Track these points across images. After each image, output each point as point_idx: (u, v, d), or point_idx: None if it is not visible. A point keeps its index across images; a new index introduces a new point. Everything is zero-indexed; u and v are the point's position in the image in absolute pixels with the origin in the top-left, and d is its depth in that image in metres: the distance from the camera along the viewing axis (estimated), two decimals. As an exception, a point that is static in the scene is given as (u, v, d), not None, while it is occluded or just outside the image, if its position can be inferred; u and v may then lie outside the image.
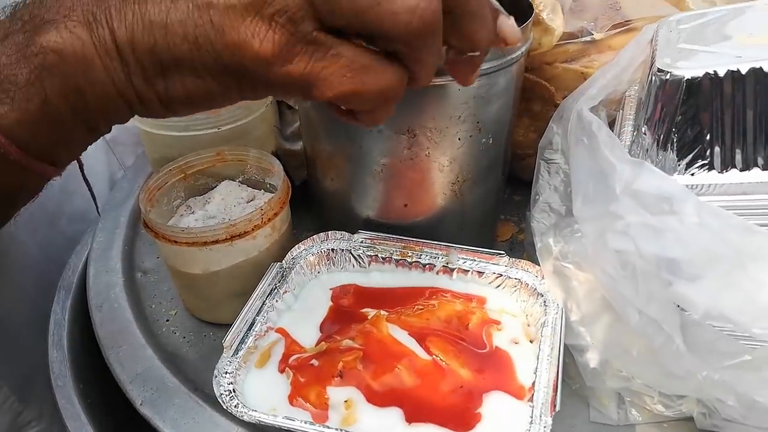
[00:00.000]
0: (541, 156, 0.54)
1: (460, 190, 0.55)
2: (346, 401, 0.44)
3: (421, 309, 0.51)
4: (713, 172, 0.43)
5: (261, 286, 0.51)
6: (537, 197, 0.52)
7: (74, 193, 0.76)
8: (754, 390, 0.36)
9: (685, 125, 0.43)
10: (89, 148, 0.77)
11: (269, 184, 0.59)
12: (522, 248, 0.64)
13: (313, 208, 0.64)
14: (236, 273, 0.53)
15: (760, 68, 0.41)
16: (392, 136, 0.51)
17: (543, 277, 0.51)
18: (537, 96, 0.63)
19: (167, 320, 0.58)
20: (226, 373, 0.45)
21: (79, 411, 0.52)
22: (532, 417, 0.41)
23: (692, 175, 0.43)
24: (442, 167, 0.53)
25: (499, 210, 0.66)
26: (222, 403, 0.42)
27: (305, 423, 0.41)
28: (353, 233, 0.56)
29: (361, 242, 0.56)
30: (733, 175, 0.43)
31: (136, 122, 0.63)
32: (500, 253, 0.53)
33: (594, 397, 0.49)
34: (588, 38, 0.60)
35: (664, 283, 0.39)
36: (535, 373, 0.45)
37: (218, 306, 0.55)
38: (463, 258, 0.54)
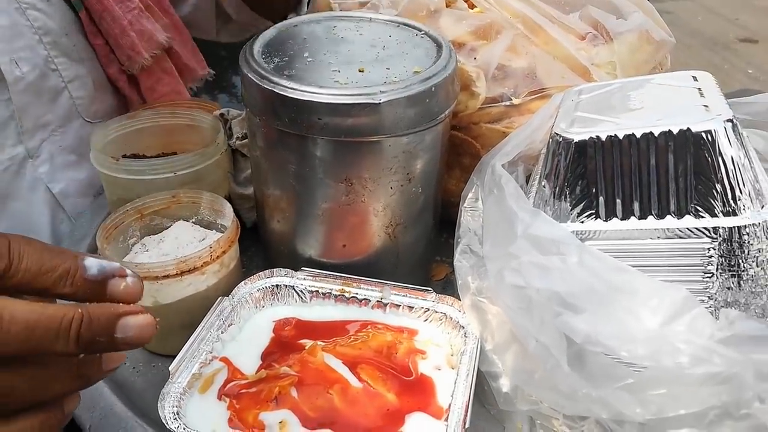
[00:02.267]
0: (463, 204, 0.61)
1: (393, 233, 0.61)
2: (280, 422, 0.48)
3: (355, 340, 0.56)
4: (599, 220, 0.51)
5: (208, 318, 0.55)
6: (459, 240, 0.59)
7: None
8: (623, 405, 0.43)
9: (575, 180, 0.51)
10: (33, 202, 0.79)
11: (221, 224, 0.65)
12: (454, 287, 0.71)
13: (262, 247, 0.69)
14: (185, 306, 0.57)
15: (633, 134, 0.50)
16: (331, 184, 0.58)
17: (465, 312, 0.58)
18: (466, 151, 0.71)
19: (118, 351, 0.62)
20: (171, 396, 0.49)
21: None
22: (446, 434, 0.47)
23: (582, 222, 0.51)
24: (377, 212, 0.59)
25: (433, 251, 0.73)
26: (165, 424, 0.46)
27: (241, 442, 0.45)
28: (297, 270, 0.62)
29: (304, 279, 0.61)
30: (615, 223, 0.51)
31: (95, 165, 0.68)
32: (428, 290, 0.60)
33: (509, 421, 0.55)
34: (508, 102, 0.69)
35: (554, 314, 0.46)
36: (452, 396, 0.50)
37: (167, 338, 0.59)
38: (395, 293, 0.60)
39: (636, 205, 0.50)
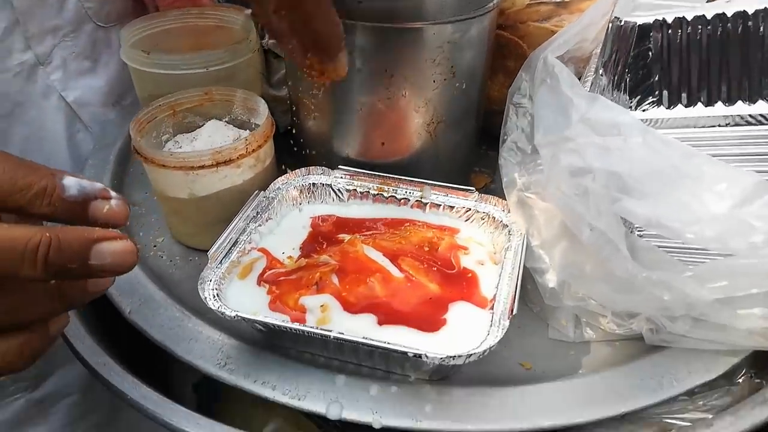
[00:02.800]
0: (510, 101, 0.58)
1: (434, 132, 0.59)
2: (321, 306, 0.47)
3: (395, 235, 0.55)
4: (661, 107, 0.48)
5: (245, 210, 0.54)
6: (505, 137, 0.57)
7: (33, 154, 0.71)
8: (686, 285, 0.41)
9: (635, 67, 0.48)
10: (47, 110, 0.76)
11: (254, 124, 0.63)
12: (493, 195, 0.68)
13: (297, 151, 0.67)
14: (221, 199, 0.56)
15: (703, 15, 0.46)
16: (371, 76, 0.55)
17: (509, 211, 0.56)
18: (511, 53, 0.67)
19: (155, 246, 0.61)
20: (210, 280, 0.48)
21: (75, 319, 0.54)
22: (492, 322, 0.45)
23: (643, 111, 0.48)
24: (418, 108, 0.57)
25: (473, 159, 0.70)
26: (206, 303, 0.46)
27: (284, 321, 0.45)
28: (333, 170, 0.60)
29: (341, 177, 0.59)
30: (679, 111, 0.47)
31: (126, 59, 0.66)
32: (470, 189, 0.57)
33: (553, 318, 0.54)
34: (558, 0, 0.65)
35: (612, 200, 0.43)
36: (496, 288, 0.49)
37: (203, 232, 0.58)
38: (436, 193, 0.58)
39: (703, 92, 0.47)
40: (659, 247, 0.46)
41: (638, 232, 0.48)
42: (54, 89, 0.76)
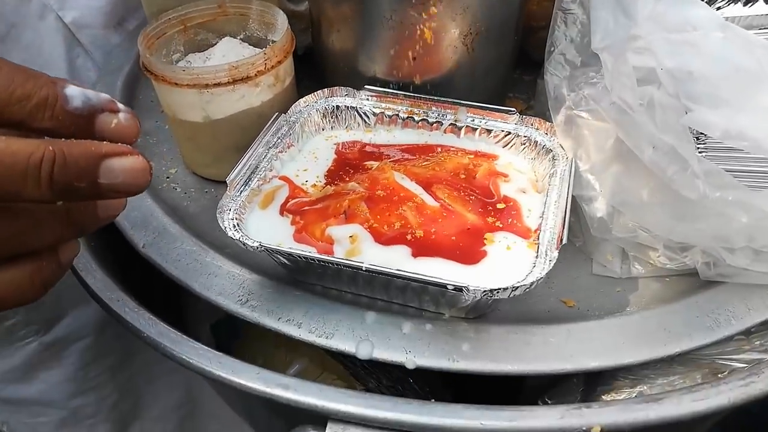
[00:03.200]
0: (557, 7, 0.51)
1: (472, 45, 0.53)
2: (351, 236, 0.43)
3: (428, 161, 0.50)
4: (738, 5, 0.41)
5: (264, 134, 0.50)
6: (552, 49, 0.50)
7: None
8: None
9: (713, -44, 0.41)
10: (43, 32, 0.69)
11: (272, 41, 0.57)
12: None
13: (317, 73, 0.62)
14: (238, 123, 0.51)
15: None
16: (403, -22, 0.49)
17: (553, 134, 0.50)
18: (554, -43, 0.60)
19: (167, 177, 0.57)
20: (230, 209, 0.44)
21: (86, 252, 0.52)
22: (538, 252, 0.41)
23: (717, 8, 0.41)
24: (455, 16, 0.50)
25: (509, 84, 0.64)
26: (226, 233, 0.42)
27: (310, 252, 0.41)
28: (359, 90, 0.54)
29: (367, 99, 0.54)
30: (760, 7, 0.41)
31: None
32: (510, 110, 0.52)
33: (598, 252, 0.49)
34: None
35: (682, 111, 0.38)
36: (541, 218, 0.44)
37: (219, 160, 0.54)
38: (471, 116, 0.53)
39: (790, -15, 0.40)
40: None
41: (702, 153, 0.43)
42: (50, 8, 0.70)
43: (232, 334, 0.63)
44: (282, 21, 0.54)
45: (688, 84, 0.36)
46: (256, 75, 0.49)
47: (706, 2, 0.42)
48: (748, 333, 0.47)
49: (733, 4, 0.41)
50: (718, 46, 0.35)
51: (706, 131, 0.36)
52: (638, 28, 0.38)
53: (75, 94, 0.29)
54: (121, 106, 0.31)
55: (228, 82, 0.49)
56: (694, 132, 0.38)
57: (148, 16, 0.63)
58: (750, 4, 0.41)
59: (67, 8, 0.71)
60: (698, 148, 0.42)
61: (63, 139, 0.28)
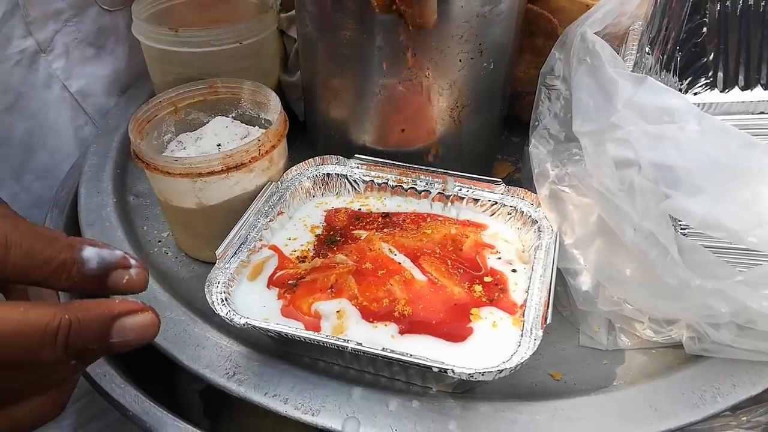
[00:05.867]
0: (542, 82, 0.53)
1: (459, 117, 0.54)
2: (338, 311, 0.43)
3: (416, 232, 0.51)
4: (715, 91, 0.43)
5: (256, 204, 0.50)
6: (536, 123, 0.52)
7: (37, 149, 0.72)
8: (748, 298, 0.36)
9: (688, 44, 0.43)
10: (49, 101, 0.72)
11: (264, 119, 0.58)
12: (519, 186, 0.64)
13: (310, 139, 0.63)
14: (232, 208, 0.51)
15: (769, -16, 0.40)
16: (392, 55, 0.50)
17: (538, 205, 0.51)
18: (540, 30, 0.62)
19: (159, 241, 0.58)
20: (218, 282, 0.45)
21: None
22: (523, 330, 0.41)
23: (694, 94, 0.43)
24: (442, 90, 0.52)
25: (497, 148, 0.65)
26: (213, 309, 0.42)
27: (296, 330, 0.41)
28: (349, 159, 0.55)
29: (357, 167, 0.55)
30: (736, 94, 0.42)
31: (143, 39, 0.61)
32: (497, 181, 0.53)
33: (585, 323, 0.50)
34: (594, -30, 0.59)
35: (661, 197, 0.39)
36: (527, 292, 0.45)
37: (212, 244, 0.53)
38: (458, 185, 0.54)
39: (764, 72, 0.41)
40: (705, 247, 0.42)
41: (681, 231, 0.43)
42: (57, 79, 0.72)
43: (222, 401, 0.62)
44: (274, 102, 0.54)
45: (667, 172, 0.37)
46: (250, 161, 0.49)
47: (686, 84, 0.43)
48: (735, 409, 0.48)
49: (710, 90, 0.43)
50: (695, 139, 0.36)
51: (685, 219, 0.37)
52: (617, 115, 0.40)
53: (91, 256, 0.31)
54: (132, 261, 0.33)
55: (222, 170, 0.49)
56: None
57: (158, 85, 0.65)
58: (727, 90, 0.42)
59: (73, 78, 0.73)
60: (680, 225, 0.43)
61: (77, 301, 0.30)
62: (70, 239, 0.31)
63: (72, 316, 0.29)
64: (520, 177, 0.63)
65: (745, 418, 0.47)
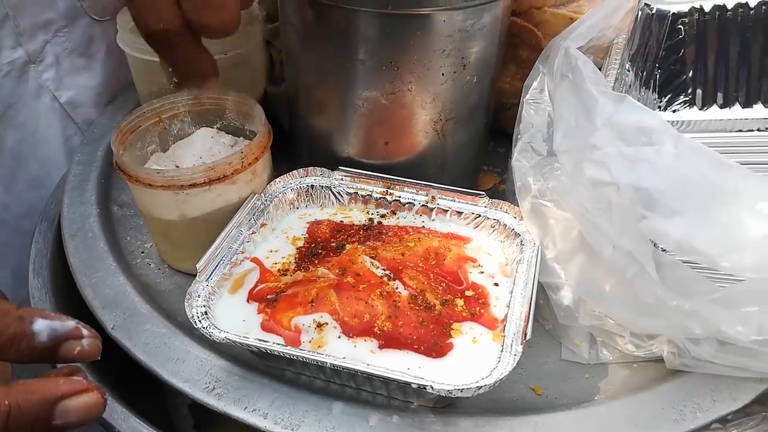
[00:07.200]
0: (525, 96, 0.53)
1: (442, 130, 0.54)
2: (318, 326, 0.43)
3: (398, 245, 0.51)
4: (694, 108, 0.43)
5: (238, 215, 0.50)
6: (519, 137, 0.52)
7: (27, 159, 0.71)
8: (722, 321, 0.37)
9: (668, 61, 0.43)
10: (39, 112, 0.72)
11: (249, 130, 0.57)
12: (503, 198, 0.64)
13: (295, 150, 0.63)
14: (215, 220, 0.50)
15: (746, 3, 0.41)
16: (375, 68, 0.50)
17: (521, 218, 0.51)
18: (524, 42, 0.62)
19: (142, 252, 0.58)
20: (199, 296, 0.44)
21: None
22: (503, 346, 0.41)
23: (673, 111, 0.43)
24: (425, 104, 0.52)
25: (482, 159, 0.66)
26: (193, 324, 0.42)
27: (276, 344, 0.41)
28: (333, 171, 0.55)
29: (341, 179, 0.55)
30: (714, 112, 0.43)
31: (130, 51, 0.61)
32: (480, 194, 0.53)
33: (566, 337, 0.50)
34: (578, -17, 0.59)
35: (638, 217, 0.39)
36: (508, 307, 0.45)
37: (195, 256, 0.52)
38: (443, 198, 0.54)
39: (742, 91, 0.42)
40: (683, 262, 0.42)
41: (661, 247, 0.44)
42: (47, 89, 0.71)
43: (212, 414, 0.61)
44: (259, 113, 0.54)
45: (643, 194, 0.37)
46: (232, 174, 0.49)
47: (665, 101, 0.44)
48: (724, 421, 0.48)
49: (688, 107, 0.43)
50: (670, 162, 0.36)
51: (660, 242, 0.37)
52: (596, 135, 0.40)
53: (41, 329, 0.32)
54: (84, 331, 0.33)
55: (204, 183, 0.48)
56: (651, 234, 0.39)
57: (143, 96, 0.65)
58: (705, 108, 0.43)
59: (63, 88, 0.73)
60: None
61: (21, 382, 0.30)
62: (21, 311, 0.31)
63: (12, 401, 0.29)
64: (505, 189, 0.63)
65: (735, 431, 0.47)
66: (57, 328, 0.32)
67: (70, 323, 0.33)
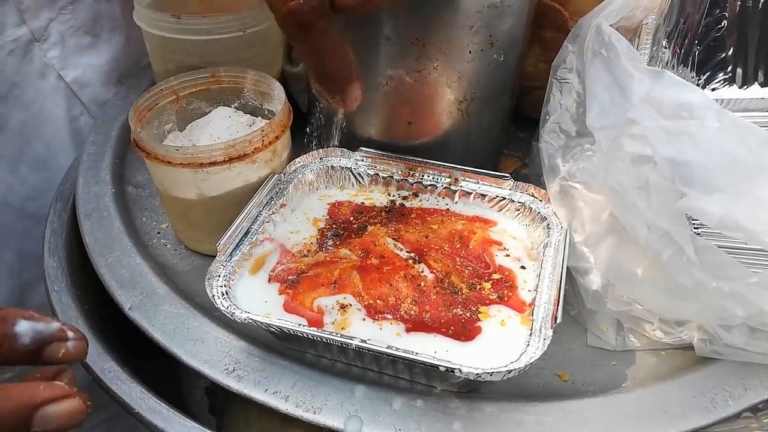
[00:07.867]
0: (553, 75, 0.52)
1: (467, 110, 0.53)
2: (341, 308, 0.42)
3: (421, 227, 0.49)
4: (734, 87, 0.41)
5: (258, 196, 0.49)
6: (547, 117, 0.50)
7: (32, 140, 0.70)
8: (764, 300, 0.35)
9: (706, 38, 0.42)
10: (44, 91, 0.70)
11: (267, 110, 0.56)
12: (525, 182, 0.63)
13: (315, 131, 0.61)
14: (234, 199, 0.49)
15: (793, -24, 0.39)
16: (400, 45, 0.49)
17: (547, 201, 0.50)
18: (549, 22, 0.60)
19: (158, 233, 0.57)
20: (219, 276, 0.43)
21: (77, 316, 0.51)
22: (531, 330, 0.40)
23: (712, 90, 0.42)
24: (451, 82, 0.51)
25: (504, 142, 0.64)
26: (214, 303, 0.41)
27: (299, 326, 0.40)
28: (354, 151, 0.54)
29: (362, 160, 0.54)
30: (755, 91, 0.41)
31: (144, 25, 0.60)
32: (505, 176, 0.52)
33: (592, 323, 0.49)
34: (608, -39, 0.57)
35: (677, 195, 0.38)
36: (536, 290, 0.43)
37: (212, 236, 0.51)
38: (466, 180, 0.52)
39: (785, 69, 0.40)
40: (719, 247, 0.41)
41: (695, 230, 0.42)
42: (52, 68, 0.70)
43: (228, 398, 0.61)
44: (279, 92, 0.53)
45: (683, 169, 0.36)
46: (253, 152, 0.48)
47: (704, 80, 0.42)
48: (755, 410, 0.47)
49: (728, 86, 0.41)
50: (714, 136, 0.35)
51: (702, 219, 0.36)
52: (634, 110, 0.38)
53: (25, 331, 0.30)
54: (69, 333, 0.32)
55: (224, 161, 0.47)
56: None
57: (158, 74, 0.63)
58: (745, 87, 0.41)
59: (69, 67, 0.71)
60: (694, 224, 0.42)
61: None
62: (3, 312, 0.30)
63: None
64: (527, 173, 0.62)
65: (766, 420, 0.46)
66: (41, 330, 0.31)
67: (55, 325, 0.32)
